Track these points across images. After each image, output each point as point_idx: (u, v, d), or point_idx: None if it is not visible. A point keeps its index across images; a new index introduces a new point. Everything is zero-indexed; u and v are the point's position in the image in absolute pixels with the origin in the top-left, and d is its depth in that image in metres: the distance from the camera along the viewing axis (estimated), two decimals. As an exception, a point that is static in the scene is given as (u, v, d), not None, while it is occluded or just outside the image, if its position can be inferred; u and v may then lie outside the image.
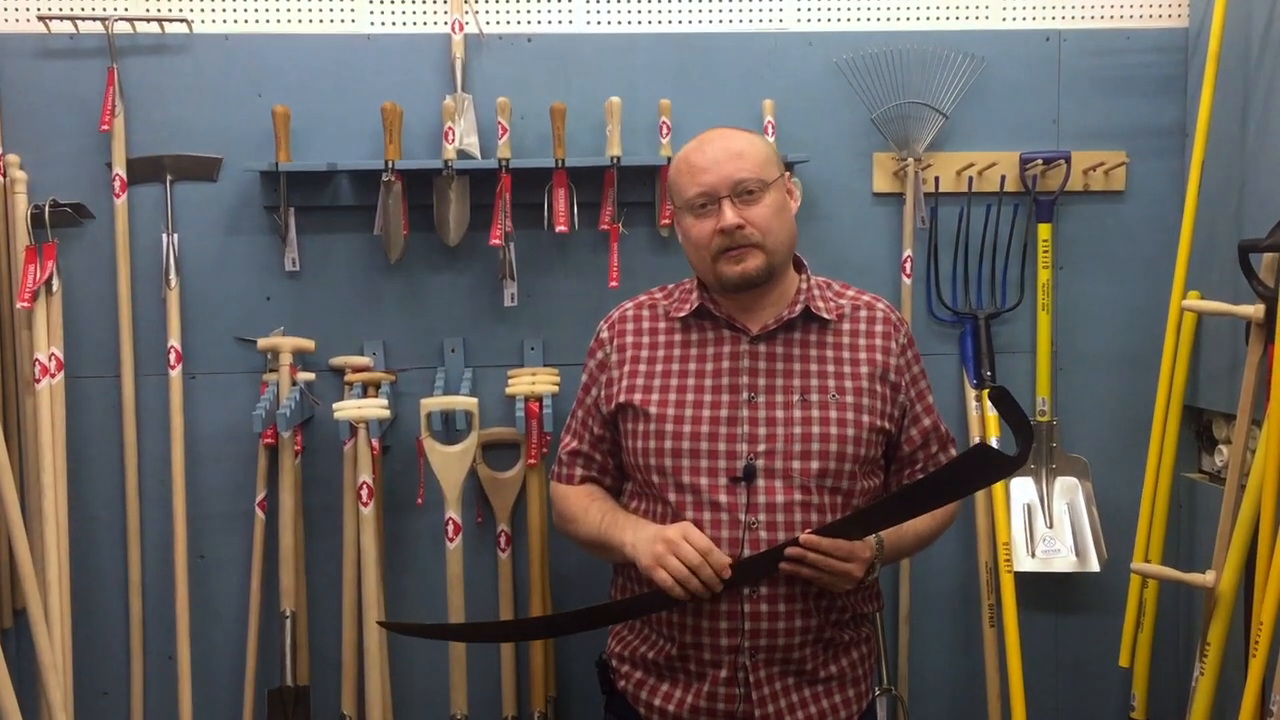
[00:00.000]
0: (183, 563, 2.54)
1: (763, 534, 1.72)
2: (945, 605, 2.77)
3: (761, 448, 1.74)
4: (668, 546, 1.66)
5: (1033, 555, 2.65)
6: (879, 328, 1.86)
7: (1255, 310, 2.26)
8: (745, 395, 1.77)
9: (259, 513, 2.57)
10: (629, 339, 1.87)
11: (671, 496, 1.75)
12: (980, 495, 2.67)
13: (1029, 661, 2.74)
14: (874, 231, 2.70)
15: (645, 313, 1.89)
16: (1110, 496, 2.72)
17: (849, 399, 1.78)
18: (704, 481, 1.73)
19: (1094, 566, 2.64)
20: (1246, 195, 2.43)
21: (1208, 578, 2.28)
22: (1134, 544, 2.59)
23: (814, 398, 1.77)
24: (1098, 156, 2.67)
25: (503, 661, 2.60)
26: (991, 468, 1.65)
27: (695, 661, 1.76)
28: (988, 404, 2.65)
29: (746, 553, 1.71)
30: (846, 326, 1.85)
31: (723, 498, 1.72)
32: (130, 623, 2.60)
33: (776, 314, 1.82)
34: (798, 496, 1.73)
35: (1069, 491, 2.71)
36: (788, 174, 1.85)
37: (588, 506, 1.86)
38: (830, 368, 1.81)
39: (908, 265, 2.67)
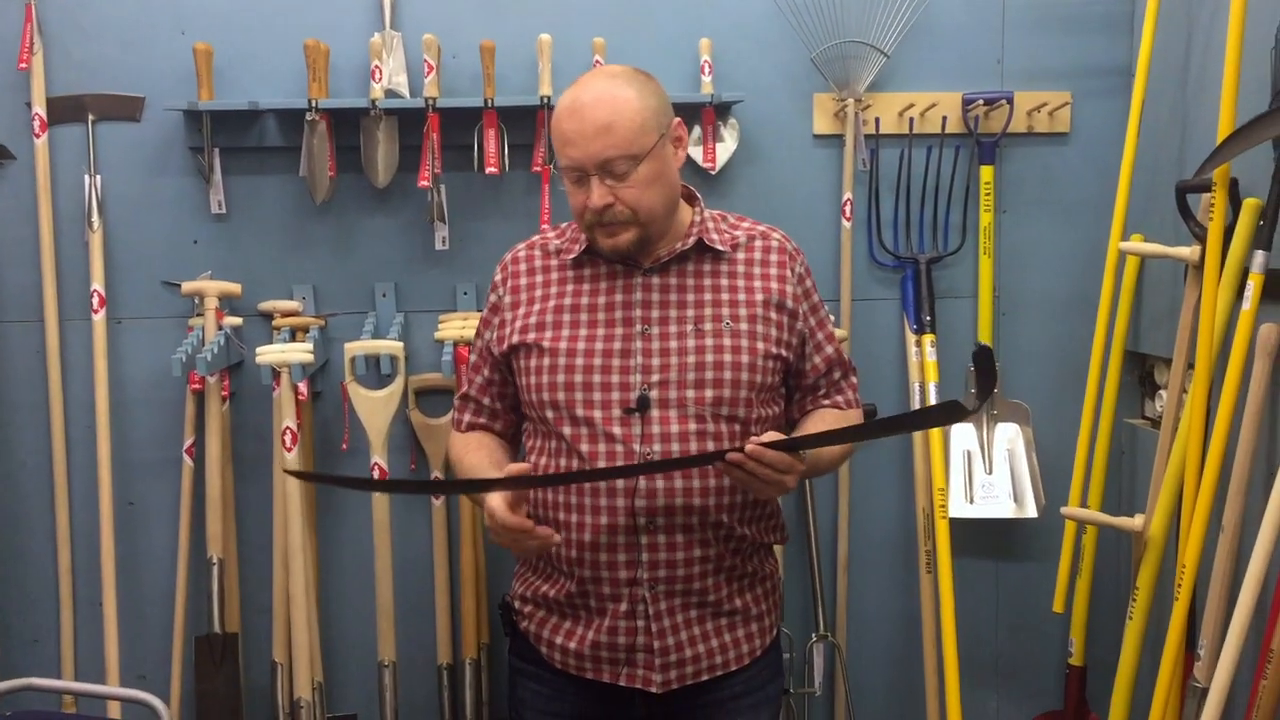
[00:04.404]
0: (108, 510, 2.51)
1: None
2: (883, 553, 2.76)
3: (655, 378, 1.72)
4: (497, 535, 1.66)
5: (970, 502, 2.63)
6: (774, 257, 1.82)
7: (1192, 252, 2.23)
8: (639, 327, 1.75)
9: (187, 459, 2.53)
10: (522, 280, 1.83)
11: (566, 430, 1.73)
12: (919, 442, 2.65)
13: (969, 608, 2.74)
14: (814, 174, 2.66)
15: (536, 253, 1.86)
16: (1052, 443, 2.70)
17: (743, 326, 1.76)
18: (598, 414, 1.71)
19: (1031, 513, 2.62)
20: (1188, 136, 2.39)
21: (1136, 522, 2.26)
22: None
23: (708, 326, 1.75)
24: (1041, 97, 2.63)
25: (437, 609, 2.59)
26: (949, 417, 1.74)
27: (595, 597, 1.75)
28: (927, 348, 2.61)
29: (643, 485, 1.69)
30: (741, 256, 1.81)
31: (617, 429, 1.70)
32: (59, 571, 2.58)
33: (670, 248, 1.78)
34: (693, 426, 1.71)
35: (1009, 438, 2.68)
36: (676, 121, 1.77)
37: (461, 459, 1.85)
38: (725, 296, 1.78)
39: (848, 208, 2.63)
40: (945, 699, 2.56)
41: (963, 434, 2.68)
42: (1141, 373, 2.66)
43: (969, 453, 2.67)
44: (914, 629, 2.72)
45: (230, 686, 2.53)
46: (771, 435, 1.61)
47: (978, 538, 2.74)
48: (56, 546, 2.57)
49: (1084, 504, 2.55)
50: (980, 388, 1.66)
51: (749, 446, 1.58)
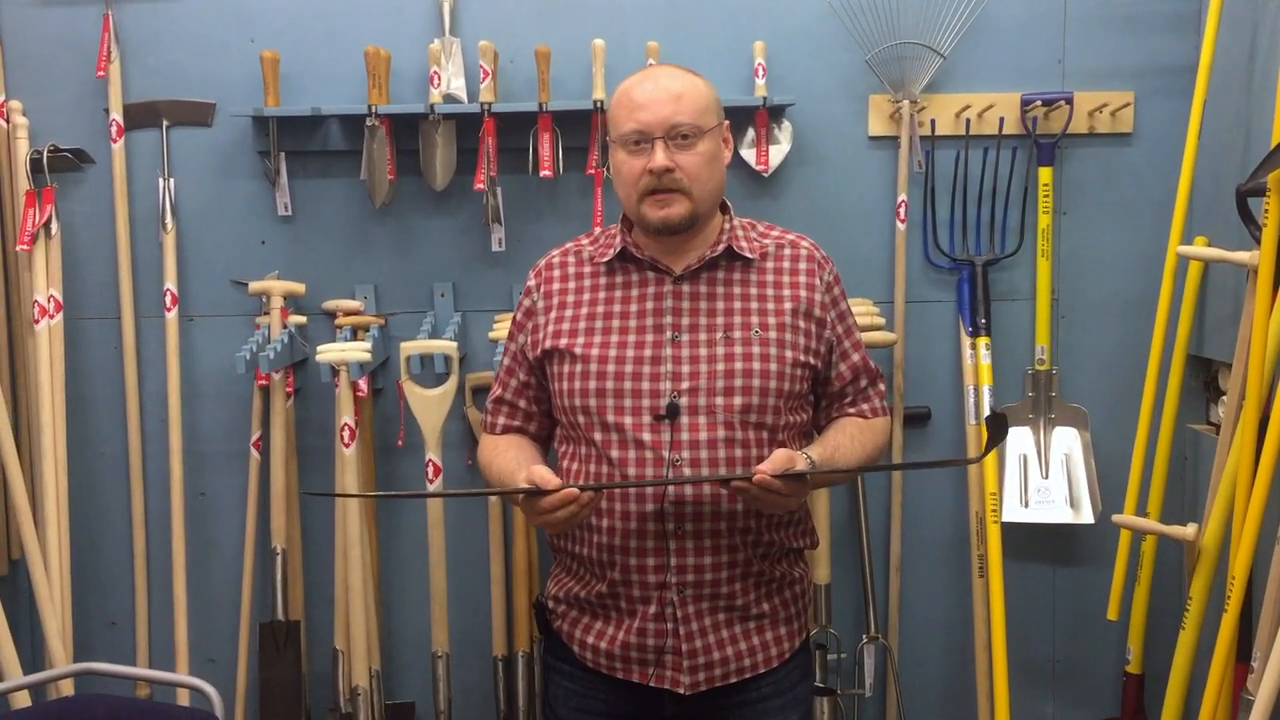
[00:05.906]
0: (179, 500, 2.62)
1: (686, 471, 1.73)
2: (936, 554, 2.74)
3: (685, 385, 1.74)
4: (540, 517, 1.66)
5: (1025, 506, 2.60)
6: (803, 265, 1.84)
7: (1251, 257, 2.17)
8: (669, 334, 1.77)
9: (254, 452, 2.63)
10: (555, 285, 1.87)
11: (597, 436, 1.76)
12: (973, 445, 2.63)
13: (1025, 613, 2.71)
14: (868, 175, 2.65)
15: (570, 259, 1.89)
16: (1112, 448, 2.65)
17: (772, 334, 1.78)
18: (628, 420, 1.74)
19: (1088, 518, 2.59)
20: (1252, 138, 2.33)
21: (1189, 531, 2.22)
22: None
23: (737, 334, 1.77)
24: (1102, 97, 2.58)
25: (493, 602, 2.64)
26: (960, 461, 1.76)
27: (625, 599, 1.78)
28: (982, 351, 2.60)
29: (672, 491, 1.73)
30: (770, 265, 1.84)
31: (646, 436, 1.73)
32: (135, 557, 2.69)
33: (700, 255, 1.80)
34: (721, 433, 1.73)
35: (1067, 443, 2.65)
36: (726, 123, 1.82)
37: (491, 460, 1.88)
38: (754, 305, 1.80)
39: (903, 210, 2.62)
40: (995, 703, 2.55)
41: (1019, 438, 2.65)
42: (1207, 378, 2.61)
43: (1025, 456, 2.65)
44: (967, 632, 2.70)
45: (293, 672, 2.62)
46: (779, 459, 1.62)
47: (1035, 542, 2.71)
48: (132, 533, 2.69)
49: (1142, 510, 2.51)
50: (987, 446, 1.72)
51: (756, 479, 1.61)
